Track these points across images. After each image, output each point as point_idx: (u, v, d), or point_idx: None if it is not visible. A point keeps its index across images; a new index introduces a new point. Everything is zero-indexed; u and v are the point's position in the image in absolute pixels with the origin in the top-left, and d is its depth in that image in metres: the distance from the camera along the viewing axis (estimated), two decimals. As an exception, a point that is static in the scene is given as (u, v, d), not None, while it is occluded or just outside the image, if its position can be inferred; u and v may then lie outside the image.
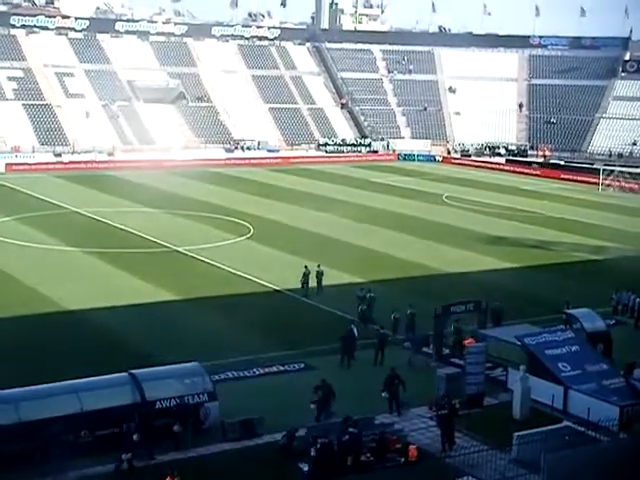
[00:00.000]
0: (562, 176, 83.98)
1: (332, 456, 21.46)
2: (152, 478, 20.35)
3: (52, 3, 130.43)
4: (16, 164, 77.86)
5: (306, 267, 38.78)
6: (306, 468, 21.52)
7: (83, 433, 22.00)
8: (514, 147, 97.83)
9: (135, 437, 21.84)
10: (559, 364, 27.05)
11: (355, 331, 30.66)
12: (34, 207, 57.95)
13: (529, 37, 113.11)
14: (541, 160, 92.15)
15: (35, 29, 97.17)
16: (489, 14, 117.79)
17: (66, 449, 21.24)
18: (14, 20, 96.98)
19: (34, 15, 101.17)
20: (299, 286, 38.26)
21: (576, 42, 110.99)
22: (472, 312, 31.94)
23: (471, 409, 25.42)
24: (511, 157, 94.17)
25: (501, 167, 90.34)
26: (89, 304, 35.46)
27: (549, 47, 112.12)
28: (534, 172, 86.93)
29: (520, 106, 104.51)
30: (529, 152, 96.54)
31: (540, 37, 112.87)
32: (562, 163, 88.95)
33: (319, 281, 38.71)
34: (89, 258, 44.09)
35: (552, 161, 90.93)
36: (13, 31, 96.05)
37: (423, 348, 30.84)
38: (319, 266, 39.25)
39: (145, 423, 22.41)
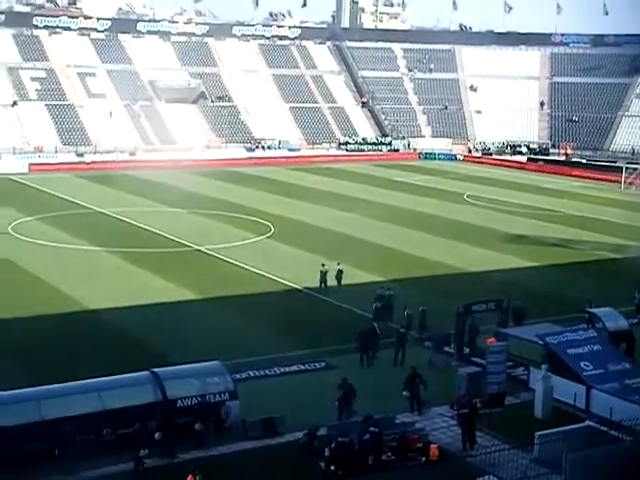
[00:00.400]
0: (584, 174, 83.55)
1: (350, 455, 21.46)
2: (174, 476, 20.44)
3: (74, 4, 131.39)
4: (39, 164, 78.33)
5: (323, 265, 38.82)
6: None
7: (105, 432, 22.11)
8: (536, 145, 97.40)
9: (157, 436, 21.99)
10: (581, 363, 26.92)
11: (377, 329, 30.68)
12: (57, 207, 58.33)
13: (551, 35, 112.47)
14: (563, 158, 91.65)
15: (58, 30, 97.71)
16: (510, 8, 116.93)
17: (88, 448, 21.42)
18: (37, 21, 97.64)
19: (57, 16, 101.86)
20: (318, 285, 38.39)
21: (598, 40, 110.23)
22: (493, 311, 31.88)
23: (492, 408, 25.34)
24: (532, 155, 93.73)
25: (522, 165, 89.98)
26: (111, 303, 35.66)
27: (571, 45, 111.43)
28: (555, 170, 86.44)
29: (541, 104, 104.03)
30: (551, 150, 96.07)
31: (562, 35, 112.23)
32: (584, 161, 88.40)
33: (339, 279, 38.73)
34: (111, 258, 44.33)
35: (574, 159, 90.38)
36: (36, 32, 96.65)
37: (444, 347, 30.80)
38: (339, 264, 39.29)
39: (167, 421, 22.51)
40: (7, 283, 38.82)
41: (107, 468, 21.30)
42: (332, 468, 21.14)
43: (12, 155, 79.36)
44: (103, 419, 22.35)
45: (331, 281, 38.47)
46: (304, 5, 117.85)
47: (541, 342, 27.90)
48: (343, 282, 38.68)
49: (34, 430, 21.66)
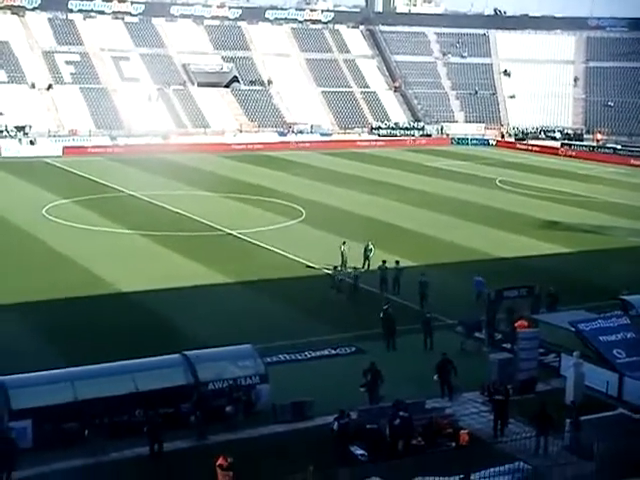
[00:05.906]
0: (618, 160, 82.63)
1: (351, 431, 21.69)
2: (204, 458, 20.59)
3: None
4: (73, 147, 78.96)
5: (344, 243, 39.53)
6: (358, 451, 21.59)
7: (137, 413, 22.31)
8: (570, 131, 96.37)
9: (192, 418, 22.20)
10: (614, 351, 26.71)
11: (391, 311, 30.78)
12: (90, 190, 58.76)
13: (587, 19, 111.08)
14: (594, 144, 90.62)
15: (92, 13, 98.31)
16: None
17: (120, 429, 21.66)
18: (72, 5, 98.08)
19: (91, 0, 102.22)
20: (352, 268, 38.30)
21: (635, 24, 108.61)
22: (525, 297, 31.68)
23: (523, 395, 25.24)
24: (566, 141, 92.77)
25: (556, 151, 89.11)
26: (143, 286, 35.91)
27: (607, 29, 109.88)
28: (590, 156, 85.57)
29: (575, 80, 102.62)
30: (585, 136, 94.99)
31: (598, 19, 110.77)
32: (619, 147, 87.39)
33: (368, 259, 38.93)
34: (143, 240, 44.61)
35: (609, 145, 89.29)
36: (71, 16, 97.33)
37: (475, 333, 30.72)
38: (369, 244, 39.60)
39: (199, 404, 22.66)
40: (40, 265, 39.23)
41: (139, 449, 21.53)
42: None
43: (47, 138, 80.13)
44: (135, 400, 22.55)
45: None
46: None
47: (573, 329, 27.69)
48: (373, 267, 38.55)
49: (68, 410, 21.89)
